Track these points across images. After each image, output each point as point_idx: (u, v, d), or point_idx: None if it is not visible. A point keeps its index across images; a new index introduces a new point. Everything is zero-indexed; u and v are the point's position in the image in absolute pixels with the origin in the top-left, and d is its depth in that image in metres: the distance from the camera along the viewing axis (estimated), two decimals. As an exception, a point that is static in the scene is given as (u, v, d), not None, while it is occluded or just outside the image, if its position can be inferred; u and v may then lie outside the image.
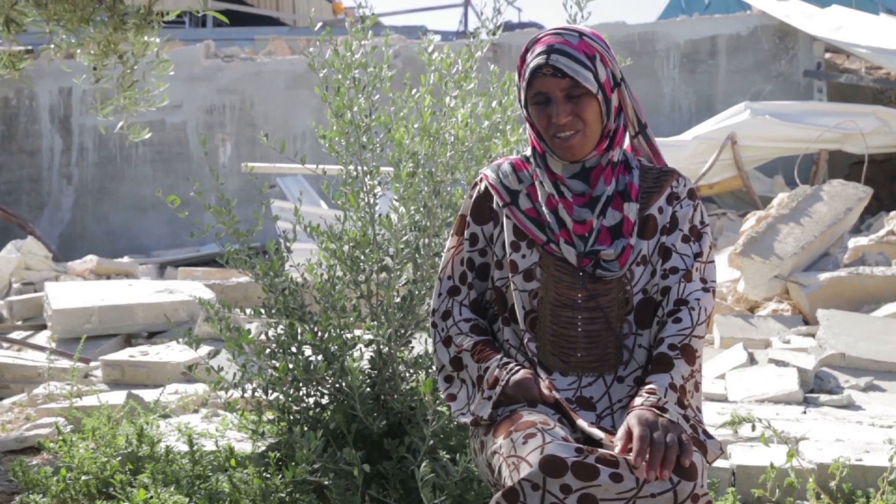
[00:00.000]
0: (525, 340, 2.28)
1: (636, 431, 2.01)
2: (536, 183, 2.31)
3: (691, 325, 2.21)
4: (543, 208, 2.28)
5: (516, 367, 2.25)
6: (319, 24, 3.61)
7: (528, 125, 2.33)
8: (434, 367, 2.45)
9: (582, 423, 2.15)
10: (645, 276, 2.27)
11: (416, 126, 3.51)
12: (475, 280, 2.39)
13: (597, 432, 2.11)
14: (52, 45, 4.18)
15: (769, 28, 12.07)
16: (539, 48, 2.24)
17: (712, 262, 2.34)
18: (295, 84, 13.02)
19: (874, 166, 10.41)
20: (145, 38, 4.16)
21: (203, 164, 13.18)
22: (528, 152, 2.39)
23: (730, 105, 10.94)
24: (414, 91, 3.57)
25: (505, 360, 2.28)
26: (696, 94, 12.19)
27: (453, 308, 2.39)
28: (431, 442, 3.17)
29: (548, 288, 2.26)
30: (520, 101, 2.31)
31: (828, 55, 12.14)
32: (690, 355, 2.20)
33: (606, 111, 2.26)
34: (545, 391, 2.21)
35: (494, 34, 3.64)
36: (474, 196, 2.40)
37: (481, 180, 2.40)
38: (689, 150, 10.08)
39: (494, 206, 2.36)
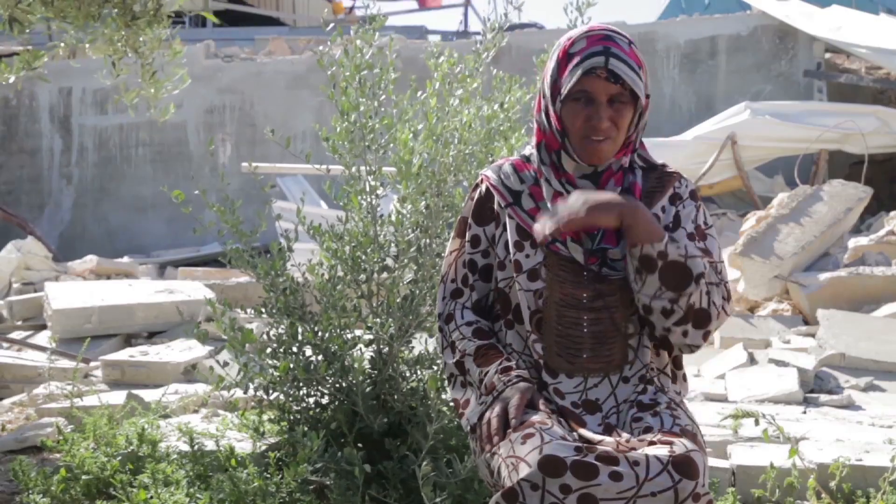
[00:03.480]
0: (531, 341, 2.27)
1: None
2: (542, 181, 2.30)
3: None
4: (549, 205, 2.27)
5: (516, 377, 2.22)
6: (331, 25, 3.63)
7: (545, 117, 2.30)
8: (442, 370, 2.44)
9: (585, 432, 2.14)
10: None
11: (420, 126, 3.52)
12: (478, 282, 2.38)
13: (600, 439, 2.10)
14: (62, 44, 4.19)
15: (769, 28, 12.06)
16: (593, 47, 2.21)
17: (722, 262, 2.33)
18: (295, 84, 13.02)
19: (874, 166, 10.40)
20: (157, 31, 4.19)
21: (203, 163, 13.18)
22: (527, 151, 2.38)
23: (730, 105, 10.92)
24: (419, 93, 3.57)
25: (505, 365, 2.25)
26: (696, 94, 12.19)
27: (455, 311, 2.37)
28: (432, 441, 3.17)
29: (553, 288, 2.24)
30: (551, 92, 2.26)
31: (828, 55, 12.13)
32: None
33: (637, 122, 2.26)
34: (541, 408, 2.19)
35: (502, 40, 3.65)
36: (475, 198, 2.39)
37: (482, 181, 2.38)
38: (689, 150, 10.06)
39: (496, 206, 2.34)
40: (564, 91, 2.23)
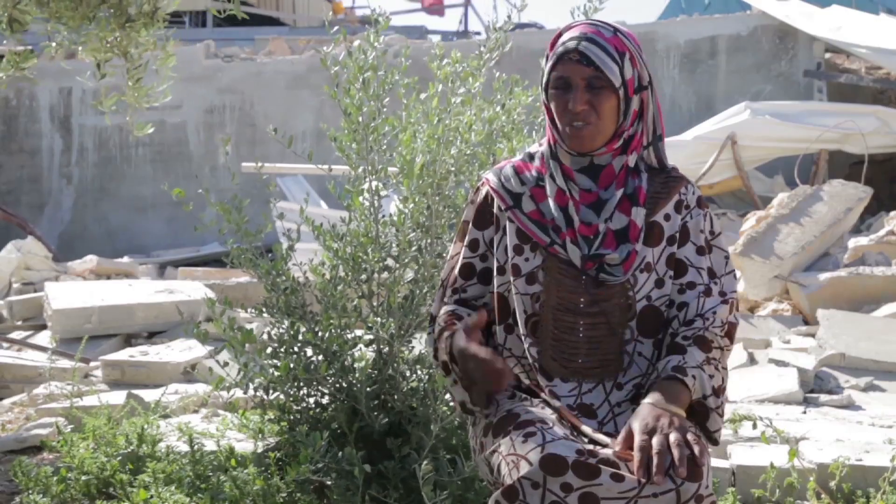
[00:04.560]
0: (526, 345, 2.25)
1: (637, 440, 1.99)
2: (546, 177, 2.28)
3: (703, 327, 2.20)
4: (551, 203, 2.25)
5: (458, 327, 2.22)
6: (335, 29, 3.63)
7: (545, 112, 2.30)
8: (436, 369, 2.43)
9: (586, 428, 2.14)
10: (649, 283, 2.23)
11: (423, 126, 3.52)
12: (476, 285, 2.36)
13: (602, 437, 2.10)
14: (55, 44, 4.19)
15: (769, 28, 12.06)
16: (571, 34, 2.22)
17: (731, 272, 2.31)
18: (295, 84, 13.02)
19: (874, 166, 10.40)
20: (153, 32, 4.18)
21: (203, 163, 13.18)
22: (534, 149, 2.37)
23: (730, 105, 10.93)
24: (422, 95, 3.57)
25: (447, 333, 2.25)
26: (696, 94, 12.19)
27: (444, 308, 2.37)
28: (433, 441, 3.17)
29: (550, 292, 2.23)
30: (541, 86, 2.29)
31: (828, 55, 12.14)
32: (704, 344, 2.17)
33: (624, 110, 2.23)
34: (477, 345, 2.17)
35: (506, 42, 3.65)
36: (476, 201, 2.37)
37: (483, 185, 2.36)
38: (689, 150, 10.06)
39: (496, 210, 2.32)
40: (545, 80, 2.25)
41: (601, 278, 2.21)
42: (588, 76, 2.18)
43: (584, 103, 2.18)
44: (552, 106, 2.24)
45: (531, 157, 2.35)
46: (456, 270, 2.38)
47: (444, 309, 2.36)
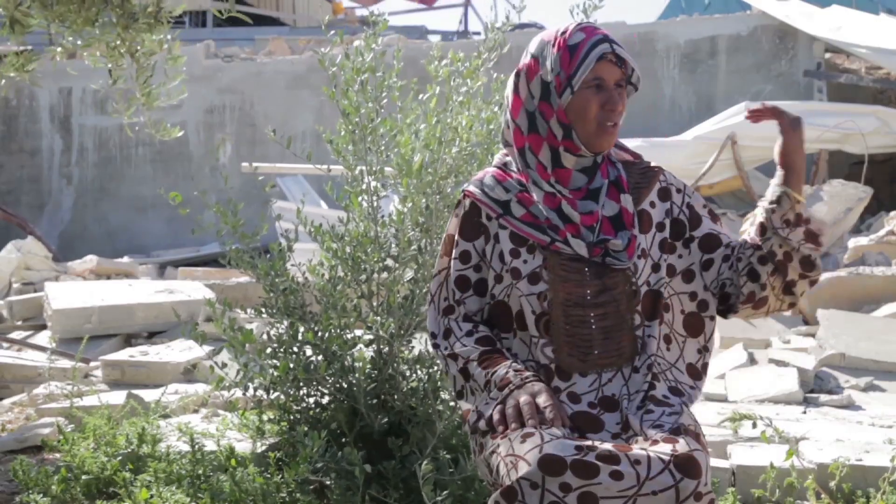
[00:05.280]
0: (540, 345, 2.25)
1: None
2: (529, 185, 2.28)
3: None
4: (541, 206, 2.26)
5: (532, 377, 2.19)
6: (332, 32, 3.64)
7: (536, 117, 2.29)
8: (446, 380, 2.42)
9: (597, 444, 2.12)
10: (646, 269, 2.27)
11: (422, 126, 3.52)
12: (471, 297, 2.34)
13: (609, 447, 2.07)
14: (59, 49, 4.19)
15: (769, 28, 12.07)
16: (595, 36, 2.24)
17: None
18: (295, 84, 13.02)
19: (874, 166, 10.39)
20: (159, 35, 4.17)
21: (203, 163, 13.18)
22: (498, 160, 2.36)
23: (730, 105, 10.93)
24: (421, 96, 3.57)
25: (516, 366, 2.22)
26: (696, 94, 12.19)
27: (452, 325, 2.33)
28: (435, 440, 3.18)
29: (556, 288, 2.23)
30: (556, 85, 2.25)
31: (828, 55, 12.14)
32: None
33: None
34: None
35: (505, 43, 3.66)
36: (460, 214, 2.35)
37: (465, 197, 2.35)
38: (689, 150, 10.07)
39: (483, 220, 2.31)
40: (579, 80, 2.22)
41: (607, 262, 2.23)
42: (619, 77, 2.24)
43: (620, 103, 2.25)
44: (580, 106, 2.23)
45: (506, 166, 2.35)
46: (446, 284, 2.36)
47: (461, 330, 2.31)
